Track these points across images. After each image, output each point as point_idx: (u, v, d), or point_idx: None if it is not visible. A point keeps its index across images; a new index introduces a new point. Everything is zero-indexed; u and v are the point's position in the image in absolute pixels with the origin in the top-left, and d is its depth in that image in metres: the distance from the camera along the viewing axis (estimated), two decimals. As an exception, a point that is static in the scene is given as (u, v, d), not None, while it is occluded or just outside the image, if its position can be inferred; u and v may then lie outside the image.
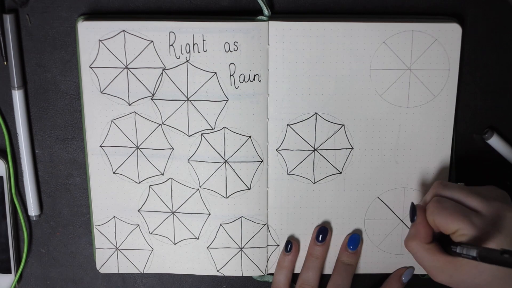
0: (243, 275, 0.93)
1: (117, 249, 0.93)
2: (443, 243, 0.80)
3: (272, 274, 0.94)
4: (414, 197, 0.90)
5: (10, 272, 0.95)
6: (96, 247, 0.93)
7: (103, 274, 0.95)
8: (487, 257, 0.70)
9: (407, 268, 0.93)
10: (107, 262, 0.94)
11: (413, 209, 0.81)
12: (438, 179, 0.89)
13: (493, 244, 0.75)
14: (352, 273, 0.92)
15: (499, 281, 0.77)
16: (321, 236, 0.91)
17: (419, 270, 0.93)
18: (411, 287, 0.95)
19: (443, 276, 0.80)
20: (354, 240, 0.92)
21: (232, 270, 0.93)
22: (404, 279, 0.93)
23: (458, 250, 0.76)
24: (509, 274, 0.76)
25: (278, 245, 0.92)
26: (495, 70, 0.88)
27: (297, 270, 0.94)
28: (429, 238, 0.80)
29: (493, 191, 0.81)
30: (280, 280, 0.93)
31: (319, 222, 0.91)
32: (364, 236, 0.92)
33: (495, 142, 0.89)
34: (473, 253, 0.72)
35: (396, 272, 0.94)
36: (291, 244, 0.92)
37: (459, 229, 0.76)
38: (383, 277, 0.95)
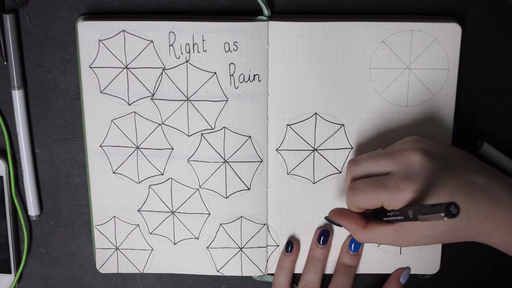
0: (243, 275, 0.93)
1: (117, 249, 0.93)
2: (379, 212, 0.80)
3: (272, 274, 0.94)
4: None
5: (10, 272, 0.95)
6: (96, 247, 0.93)
7: (103, 274, 0.95)
8: (422, 216, 0.69)
9: (404, 269, 0.93)
10: (107, 262, 0.94)
11: (329, 220, 0.83)
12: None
13: (432, 193, 0.73)
14: (353, 274, 0.92)
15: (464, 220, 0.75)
16: (322, 238, 0.91)
17: (418, 270, 0.93)
18: (411, 287, 0.95)
19: (407, 240, 0.78)
20: (356, 242, 0.92)
21: (232, 270, 0.93)
22: (402, 280, 0.93)
23: (397, 218, 0.75)
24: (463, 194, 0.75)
25: (278, 245, 0.92)
26: (495, 70, 0.88)
27: (297, 270, 0.94)
28: (362, 221, 0.80)
29: (401, 142, 0.80)
30: (280, 281, 0.93)
31: (319, 222, 0.91)
32: (364, 236, 0.92)
33: (487, 151, 0.89)
34: (410, 214, 0.71)
35: (394, 274, 0.93)
36: (292, 244, 0.92)
37: (383, 202, 0.76)
38: (383, 277, 0.95)
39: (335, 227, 0.91)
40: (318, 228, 0.92)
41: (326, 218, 0.83)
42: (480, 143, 0.89)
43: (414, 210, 0.71)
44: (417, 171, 0.75)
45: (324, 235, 0.91)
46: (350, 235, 0.92)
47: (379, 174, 0.78)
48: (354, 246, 0.92)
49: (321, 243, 0.91)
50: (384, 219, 0.78)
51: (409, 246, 0.82)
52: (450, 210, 0.64)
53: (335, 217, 0.82)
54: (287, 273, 0.93)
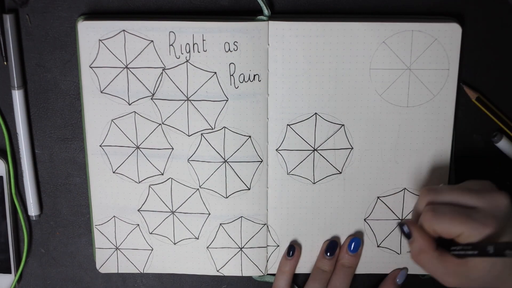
0: (243, 275, 0.93)
1: (117, 248, 0.93)
2: (442, 244, 0.79)
3: (272, 275, 0.94)
4: (414, 197, 0.90)
5: (10, 272, 0.95)
6: (96, 246, 0.93)
7: (103, 274, 0.95)
8: (505, 251, 0.69)
9: (401, 269, 0.93)
10: (107, 262, 0.94)
11: (403, 227, 0.80)
12: (438, 179, 0.89)
13: (504, 236, 0.74)
14: (351, 275, 0.92)
15: (510, 269, 0.76)
16: (330, 250, 0.92)
17: (416, 271, 0.93)
18: (411, 287, 0.95)
19: (458, 279, 0.78)
20: (355, 243, 0.92)
21: (232, 270, 0.93)
22: (399, 280, 0.93)
23: (469, 252, 0.74)
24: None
25: (278, 246, 0.92)
26: (494, 70, 0.88)
27: (297, 270, 0.93)
28: (434, 243, 0.78)
29: (478, 184, 0.80)
30: (281, 285, 0.93)
31: (319, 222, 0.91)
32: (364, 236, 0.92)
33: (504, 145, 0.89)
34: (490, 249, 0.71)
35: (391, 274, 0.94)
36: (294, 249, 0.92)
37: (463, 232, 0.75)
38: (382, 277, 0.95)
39: (334, 225, 0.91)
40: (326, 241, 0.92)
41: (400, 224, 0.81)
42: (499, 137, 0.89)
43: (499, 246, 0.70)
44: (503, 213, 0.76)
45: (331, 246, 0.92)
46: (350, 236, 0.92)
47: (463, 207, 0.77)
48: (354, 247, 0.92)
49: (328, 255, 0.91)
50: (453, 251, 0.77)
51: (459, 286, 0.82)
52: None
53: (413, 227, 0.80)
54: (288, 277, 0.93)
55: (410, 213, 0.91)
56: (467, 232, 0.75)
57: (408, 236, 0.80)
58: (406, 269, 0.93)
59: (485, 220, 0.75)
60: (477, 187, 0.78)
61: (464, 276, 0.77)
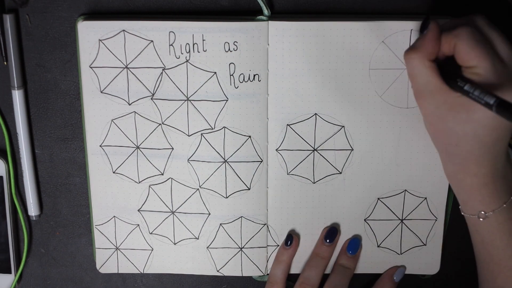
0: (243, 275, 0.93)
1: (117, 249, 0.93)
2: (443, 69, 0.77)
3: (272, 275, 0.94)
4: (415, 198, 0.90)
5: (10, 272, 0.95)
6: (96, 246, 0.93)
7: (103, 274, 0.95)
8: (504, 107, 0.66)
9: (398, 267, 0.93)
10: (107, 262, 0.94)
11: (426, 21, 0.77)
12: (438, 181, 0.89)
13: (506, 96, 0.72)
14: (350, 276, 0.92)
15: (475, 141, 0.75)
16: (330, 237, 0.91)
17: (418, 271, 0.93)
18: (411, 287, 0.95)
19: (429, 102, 0.77)
20: (354, 244, 0.92)
21: (232, 270, 0.93)
22: (396, 278, 0.93)
23: (466, 87, 0.72)
24: (487, 138, 0.75)
25: (278, 246, 0.92)
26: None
27: (295, 270, 0.93)
28: (433, 55, 0.76)
29: None
30: (277, 274, 0.92)
31: (318, 222, 0.91)
32: (364, 236, 0.92)
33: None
34: (489, 99, 0.68)
35: (388, 271, 0.94)
36: (292, 238, 0.92)
37: (478, 66, 0.73)
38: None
39: (343, 226, 0.91)
40: (325, 227, 0.92)
41: (427, 18, 0.77)
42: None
43: (502, 101, 0.67)
44: None
45: (331, 233, 0.91)
46: (349, 239, 0.92)
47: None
48: (352, 249, 0.92)
49: (327, 241, 0.91)
50: (459, 83, 0.74)
51: (425, 113, 0.80)
52: None
53: (434, 26, 0.76)
54: (285, 267, 0.92)
55: (410, 213, 0.91)
56: (482, 68, 0.73)
57: (423, 30, 0.77)
58: (403, 267, 0.93)
59: (503, 73, 0.73)
60: None
61: (436, 104, 0.76)
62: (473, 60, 0.73)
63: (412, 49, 0.77)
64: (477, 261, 0.85)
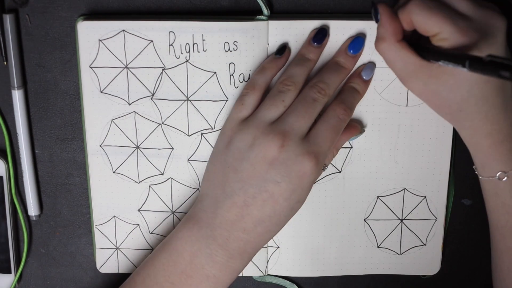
0: (243, 275, 0.93)
1: (117, 248, 0.93)
2: (417, 46, 0.77)
3: (272, 275, 0.94)
4: (414, 197, 0.90)
5: (10, 272, 0.95)
6: (96, 246, 0.93)
7: (103, 274, 0.95)
8: (477, 65, 0.65)
9: (365, 64, 0.86)
10: (107, 262, 0.94)
11: (374, 7, 0.77)
12: (438, 179, 0.89)
13: (477, 51, 0.71)
14: (343, 74, 0.84)
15: (473, 99, 0.75)
16: (319, 38, 0.84)
17: (419, 271, 0.93)
18: (412, 287, 0.95)
19: (416, 82, 0.77)
20: (357, 43, 0.85)
21: (232, 270, 0.93)
22: (365, 75, 0.85)
23: (441, 62, 0.72)
24: (484, 93, 0.75)
25: (278, 247, 0.92)
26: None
27: (297, 274, 0.93)
28: (399, 35, 0.76)
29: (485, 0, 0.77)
30: (257, 79, 0.84)
31: (318, 222, 0.91)
32: (364, 237, 0.92)
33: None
34: (462, 61, 0.67)
35: (357, 69, 0.86)
36: (285, 49, 0.84)
37: (441, 31, 0.73)
38: (383, 277, 0.95)
39: (333, 225, 0.91)
40: (314, 29, 0.85)
41: (373, 2, 0.77)
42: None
43: (473, 58, 0.66)
44: (491, 34, 0.73)
45: (321, 34, 0.84)
46: (350, 38, 0.86)
47: (454, 10, 0.74)
48: (355, 48, 0.85)
49: (315, 43, 0.84)
50: (421, 51, 0.75)
51: (415, 91, 0.80)
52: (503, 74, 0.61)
53: (384, 10, 0.76)
54: (267, 75, 0.84)
55: (410, 213, 0.91)
56: (445, 33, 0.72)
57: (377, 18, 0.77)
58: (373, 63, 0.86)
59: (467, 30, 0.72)
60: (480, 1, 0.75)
61: (423, 81, 0.76)
62: (433, 29, 0.73)
63: (378, 39, 0.78)
64: (496, 230, 0.83)
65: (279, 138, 0.78)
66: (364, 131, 0.88)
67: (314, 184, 0.89)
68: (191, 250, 0.81)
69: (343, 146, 0.88)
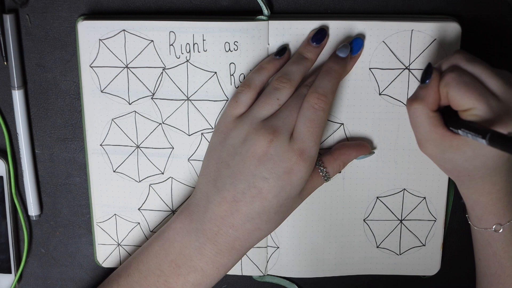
0: (243, 275, 0.93)
1: (119, 245, 0.93)
2: (445, 117, 0.77)
3: (272, 275, 0.94)
4: (414, 198, 0.90)
5: (10, 272, 0.95)
6: (98, 243, 0.93)
7: (103, 273, 0.95)
8: (498, 139, 0.67)
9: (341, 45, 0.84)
10: (109, 257, 0.93)
11: (429, 69, 0.76)
12: (437, 180, 0.89)
13: (503, 129, 0.72)
14: (334, 81, 0.82)
15: (485, 169, 0.76)
16: (318, 38, 0.83)
17: (418, 272, 0.93)
18: (411, 287, 0.95)
19: (434, 149, 0.77)
20: (356, 44, 0.84)
21: (232, 269, 0.93)
22: (341, 53, 0.83)
23: (460, 132, 0.73)
24: (496, 164, 0.76)
25: (278, 247, 0.92)
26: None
27: (299, 275, 0.93)
28: (436, 106, 0.76)
29: (509, 76, 0.77)
30: (254, 78, 0.83)
31: (318, 223, 0.91)
32: (363, 237, 0.92)
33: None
34: (481, 137, 0.69)
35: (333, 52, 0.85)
36: (285, 50, 0.84)
37: (474, 108, 0.73)
38: (382, 278, 0.95)
39: (333, 225, 0.91)
40: (313, 29, 0.84)
41: (430, 64, 0.77)
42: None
43: (495, 133, 0.68)
44: None
45: (320, 35, 0.84)
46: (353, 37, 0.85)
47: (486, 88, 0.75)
48: (353, 49, 0.84)
49: (314, 43, 0.84)
50: (450, 125, 0.75)
51: (430, 156, 0.80)
52: None
53: (436, 76, 0.76)
54: (264, 75, 0.84)
55: (410, 214, 0.91)
56: (477, 110, 0.73)
57: (424, 80, 0.76)
58: (345, 45, 0.84)
59: (497, 109, 0.73)
60: (508, 79, 0.76)
61: (441, 150, 0.76)
62: (467, 105, 0.74)
63: (415, 99, 0.77)
64: (484, 277, 0.85)
65: (269, 133, 0.79)
66: (373, 152, 0.88)
67: (314, 184, 0.89)
68: (181, 241, 0.82)
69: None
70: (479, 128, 0.71)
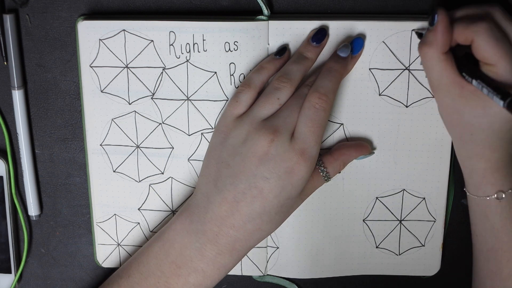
0: (243, 274, 0.93)
1: (118, 245, 0.93)
2: (459, 58, 0.77)
3: (271, 275, 0.94)
4: (414, 198, 0.90)
5: (10, 272, 0.95)
6: (98, 243, 0.93)
7: (103, 274, 0.95)
8: None
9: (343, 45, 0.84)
10: (109, 257, 0.94)
11: (435, 11, 0.75)
12: (437, 180, 0.89)
13: None
14: (335, 81, 0.82)
15: (490, 131, 0.76)
16: (319, 38, 0.83)
17: (418, 272, 0.93)
18: (411, 287, 0.95)
19: (445, 96, 0.77)
20: (357, 44, 0.84)
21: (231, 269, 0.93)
22: (341, 53, 0.83)
23: (475, 83, 0.72)
24: (502, 128, 0.76)
25: (278, 248, 0.92)
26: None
27: (299, 275, 0.93)
28: (446, 47, 0.75)
29: None
30: (253, 78, 0.83)
31: (318, 223, 0.91)
32: (363, 237, 0.92)
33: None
34: (498, 97, 0.68)
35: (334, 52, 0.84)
36: (285, 50, 0.84)
37: (497, 65, 0.73)
38: (382, 278, 0.95)
39: (332, 225, 0.91)
40: (313, 29, 0.84)
41: (434, 9, 0.75)
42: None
43: None
44: None
45: (320, 34, 0.83)
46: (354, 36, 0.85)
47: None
48: (354, 49, 0.84)
49: (314, 43, 0.83)
50: (476, 79, 0.74)
51: (440, 108, 0.80)
52: None
53: (444, 17, 0.74)
54: (264, 75, 0.83)
55: (409, 214, 0.91)
56: (501, 68, 0.72)
57: (432, 22, 0.75)
58: (347, 44, 0.84)
59: None
60: None
61: (451, 97, 0.76)
62: (492, 59, 0.73)
63: (424, 43, 0.76)
64: (480, 254, 0.84)
65: (270, 132, 0.78)
66: (373, 153, 0.88)
67: (313, 185, 0.89)
68: (182, 242, 0.81)
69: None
70: (499, 88, 0.70)
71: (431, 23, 0.76)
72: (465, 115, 0.77)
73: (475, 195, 0.81)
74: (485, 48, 0.73)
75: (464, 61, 0.76)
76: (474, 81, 0.73)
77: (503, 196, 0.79)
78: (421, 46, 0.77)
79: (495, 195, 0.79)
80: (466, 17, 0.76)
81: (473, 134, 0.77)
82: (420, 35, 0.81)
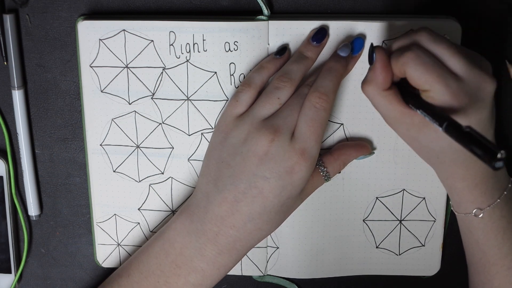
0: (243, 275, 0.93)
1: (118, 245, 0.93)
2: (402, 88, 0.76)
3: (271, 275, 0.94)
4: (414, 198, 0.90)
5: (10, 272, 0.95)
6: (98, 243, 0.93)
7: (103, 274, 0.95)
8: (454, 131, 0.66)
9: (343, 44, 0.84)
10: (109, 257, 0.94)
11: (372, 50, 0.75)
12: (437, 180, 0.88)
13: (462, 116, 0.71)
14: (335, 81, 0.82)
15: (452, 151, 0.75)
16: (319, 37, 0.83)
17: (418, 272, 0.93)
18: (411, 287, 0.95)
19: (399, 126, 0.77)
20: (357, 44, 0.84)
21: (231, 269, 0.93)
22: (342, 53, 0.83)
23: (419, 112, 0.72)
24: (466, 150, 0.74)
25: (278, 248, 0.92)
26: (494, 69, 0.88)
27: (298, 275, 0.93)
28: (387, 84, 0.75)
29: (479, 58, 0.76)
30: (254, 77, 0.83)
31: (318, 223, 0.91)
32: (363, 237, 0.92)
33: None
34: (438, 123, 0.68)
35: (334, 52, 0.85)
36: (286, 50, 0.84)
37: (432, 90, 0.72)
38: (382, 278, 0.95)
39: (332, 226, 0.91)
40: (313, 29, 0.84)
41: (372, 46, 0.76)
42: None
43: (453, 123, 0.66)
44: (479, 98, 0.72)
45: (320, 34, 0.83)
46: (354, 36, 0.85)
47: (447, 68, 0.73)
48: (355, 49, 0.84)
49: (314, 42, 0.83)
50: (416, 108, 0.74)
51: (404, 137, 0.79)
52: (496, 158, 0.61)
53: (381, 56, 0.74)
54: (265, 74, 0.83)
55: (409, 214, 0.91)
56: (436, 92, 0.72)
57: (371, 61, 0.76)
58: (348, 44, 0.84)
59: (458, 93, 0.72)
60: (474, 59, 0.75)
61: (406, 128, 0.76)
62: (425, 85, 0.73)
63: (365, 82, 0.77)
64: (471, 265, 0.85)
65: (270, 132, 0.78)
66: (373, 153, 0.88)
67: (313, 185, 0.89)
68: (182, 242, 0.81)
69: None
70: (436, 113, 0.70)
71: (370, 62, 0.76)
72: (422, 141, 0.77)
73: (458, 212, 0.82)
74: (416, 77, 0.73)
75: (410, 91, 0.76)
76: (418, 111, 0.73)
77: (481, 214, 0.79)
78: (363, 85, 0.77)
79: (474, 212, 0.80)
80: (398, 49, 0.76)
81: (439, 157, 0.77)
82: (371, 52, 0.79)
